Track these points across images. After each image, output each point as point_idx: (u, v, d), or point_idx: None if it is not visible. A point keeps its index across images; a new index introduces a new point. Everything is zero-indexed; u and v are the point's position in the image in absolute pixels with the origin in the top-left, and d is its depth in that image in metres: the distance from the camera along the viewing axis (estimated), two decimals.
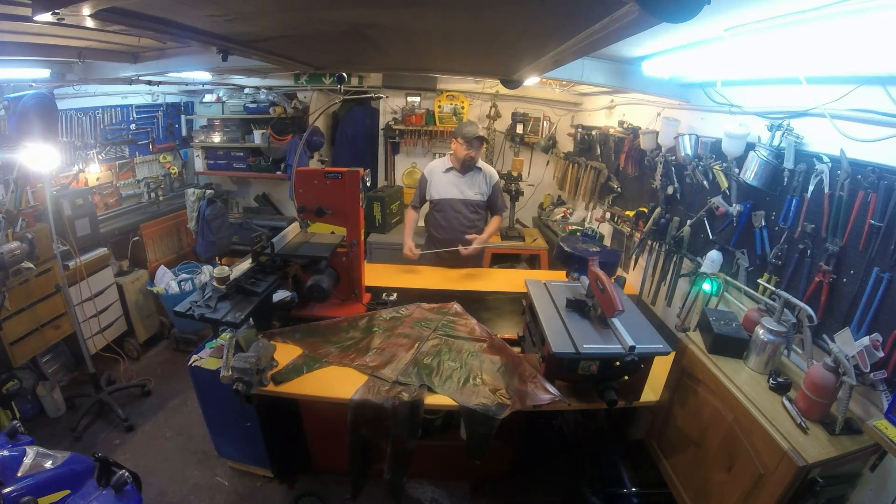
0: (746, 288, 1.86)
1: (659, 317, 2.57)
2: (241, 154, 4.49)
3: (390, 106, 4.37)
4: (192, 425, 2.89)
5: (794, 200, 1.65)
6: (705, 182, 2.14)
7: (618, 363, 1.66)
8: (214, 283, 1.98)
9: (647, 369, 1.74)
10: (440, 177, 3.01)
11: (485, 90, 4.22)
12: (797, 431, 1.28)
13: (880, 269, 1.34)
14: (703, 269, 2.07)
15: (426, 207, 3.16)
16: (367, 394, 1.84)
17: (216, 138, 4.45)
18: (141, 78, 2.87)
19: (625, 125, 3.06)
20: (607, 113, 3.49)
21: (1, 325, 2.56)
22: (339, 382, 1.92)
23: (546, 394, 1.74)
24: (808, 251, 1.60)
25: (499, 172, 3.32)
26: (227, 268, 2.01)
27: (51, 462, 1.62)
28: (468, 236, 2.92)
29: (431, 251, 3.08)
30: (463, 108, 4.25)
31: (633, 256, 2.82)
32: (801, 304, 1.50)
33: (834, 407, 1.30)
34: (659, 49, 1.98)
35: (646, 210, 2.69)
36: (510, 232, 4.06)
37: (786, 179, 1.69)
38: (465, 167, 2.95)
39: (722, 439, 1.47)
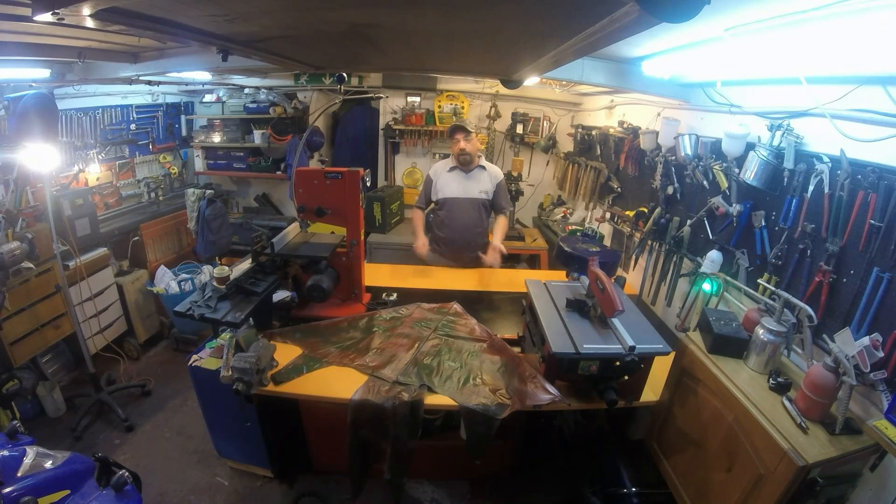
0: (746, 288, 1.86)
1: (659, 317, 2.56)
2: (241, 154, 4.48)
3: (390, 106, 4.37)
4: (192, 425, 2.89)
5: (794, 200, 1.65)
6: (705, 182, 2.14)
7: (618, 363, 1.65)
8: (214, 283, 1.98)
9: (647, 369, 1.74)
10: (444, 176, 3.00)
11: (485, 90, 4.22)
12: (797, 431, 1.28)
13: (880, 269, 1.34)
14: (703, 269, 2.07)
15: (428, 207, 3.16)
16: (367, 394, 1.84)
17: (216, 138, 4.45)
18: (141, 78, 2.87)
19: (625, 125, 3.06)
20: (607, 113, 3.49)
21: (1, 325, 2.56)
22: (339, 382, 1.92)
23: (546, 394, 1.74)
24: (808, 251, 1.60)
25: None
26: (227, 268, 2.01)
27: (51, 462, 1.62)
28: (486, 257, 2.87)
29: (440, 256, 3.07)
30: (463, 108, 4.25)
31: (633, 256, 2.81)
32: (801, 304, 1.50)
33: (834, 407, 1.30)
34: (659, 49, 1.98)
35: (646, 210, 2.69)
36: (510, 232, 4.06)
37: (786, 179, 1.69)
38: (464, 163, 2.94)
39: (722, 439, 1.47)
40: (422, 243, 2.98)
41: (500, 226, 3.03)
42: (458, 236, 3.00)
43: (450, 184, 2.99)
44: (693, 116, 2.35)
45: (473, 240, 2.98)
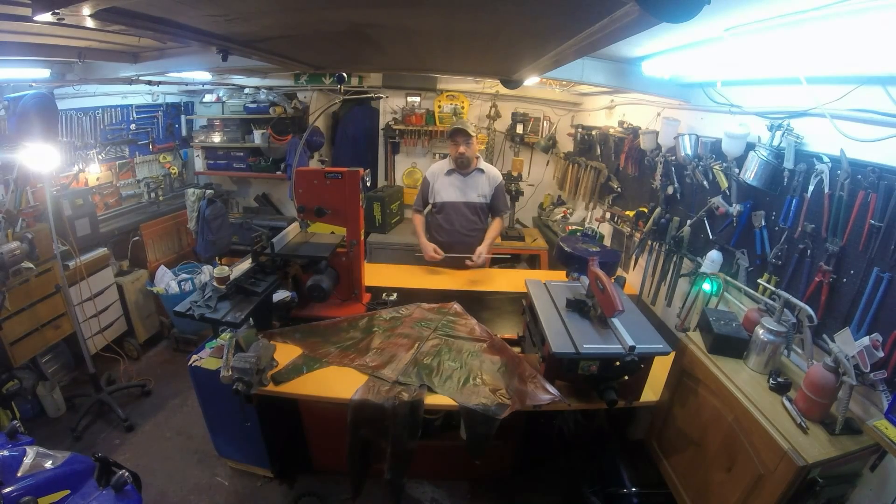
0: (746, 288, 1.85)
1: (659, 317, 2.56)
2: (241, 154, 4.49)
3: (390, 106, 4.36)
4: (192, 425, 2.89)
5: (794, 200, 1.65)
6: (705, 182, 2.14)
7: (618, 363, 1.65)
8: (214, 283, 1.98)
9: (647, 369, 1.74)
10: (442, 179, 2.99)
11: (485, 90, 4.22)
12: (797, 431, 1.28)
13: (880, 269, 1.34)
14: (703, 269, 2.07)
15: (427, 209, 3.15)
16: (367, 394, 1.84)
17: (216, 138, 4.45)
18: (141, 78, 2.87)
19: (625, 125, 3.06)
20: (607, 113, 3.49)
21: (1, 325, 2.56)
22: (339, 382, 1.92)
23: (546, 394, 1.74)
24: (808, 251, 1.60)
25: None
26: (227, 268, 2.01)
27: (51, 462, 1.62)
28: (477, 253, 2.88)
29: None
30: (463, 108, 4.25)
31: (633, 256, 2.81)
32: (801, 304, 1.50)
33: (834, 407, 1.30)
34: (659, 49, 1.98)
35: (646, 210, 2.69)
36: (510, 232, 4.06)
37: (786, 179, 1.69)
38: (462, 165, 2.93)
39: (722, 439, 1.47)
40: (432, 250, 2.89)
41: (493, 228, 3.01)
42: (455, 240, 3.00)
43: (447, 187, 2.98)
44: (693, 116, 2.35)
45: (472, 243, 2.98)
